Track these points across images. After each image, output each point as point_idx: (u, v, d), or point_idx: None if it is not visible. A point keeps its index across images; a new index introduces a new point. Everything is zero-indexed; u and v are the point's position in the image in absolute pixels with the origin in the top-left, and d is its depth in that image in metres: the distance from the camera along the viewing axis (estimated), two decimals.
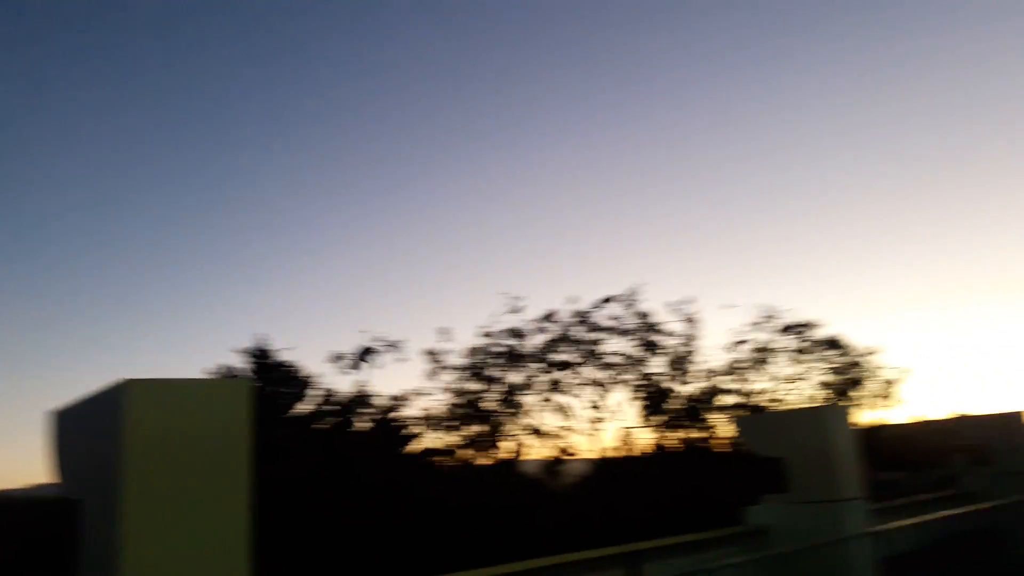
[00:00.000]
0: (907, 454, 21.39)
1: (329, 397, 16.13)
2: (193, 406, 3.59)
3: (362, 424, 16.28)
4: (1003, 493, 8.80)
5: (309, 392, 16.82)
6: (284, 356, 16.36)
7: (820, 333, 19.07)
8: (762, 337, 18.43)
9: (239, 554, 3.64)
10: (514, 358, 16.51)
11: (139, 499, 3.29)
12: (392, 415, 16.46)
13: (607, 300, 17.16)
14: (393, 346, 15.82)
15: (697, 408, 16.36)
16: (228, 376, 15.95)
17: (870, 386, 19.30)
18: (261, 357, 16.52)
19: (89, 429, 3.70)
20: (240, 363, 15.74)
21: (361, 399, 16.06)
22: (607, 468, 15.12)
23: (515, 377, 16.47)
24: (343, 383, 16.31)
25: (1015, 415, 9.64)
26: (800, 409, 11.52)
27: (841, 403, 17.47)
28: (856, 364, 19.29)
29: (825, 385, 19.00)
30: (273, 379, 16.08)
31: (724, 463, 14.24)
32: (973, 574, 7.92)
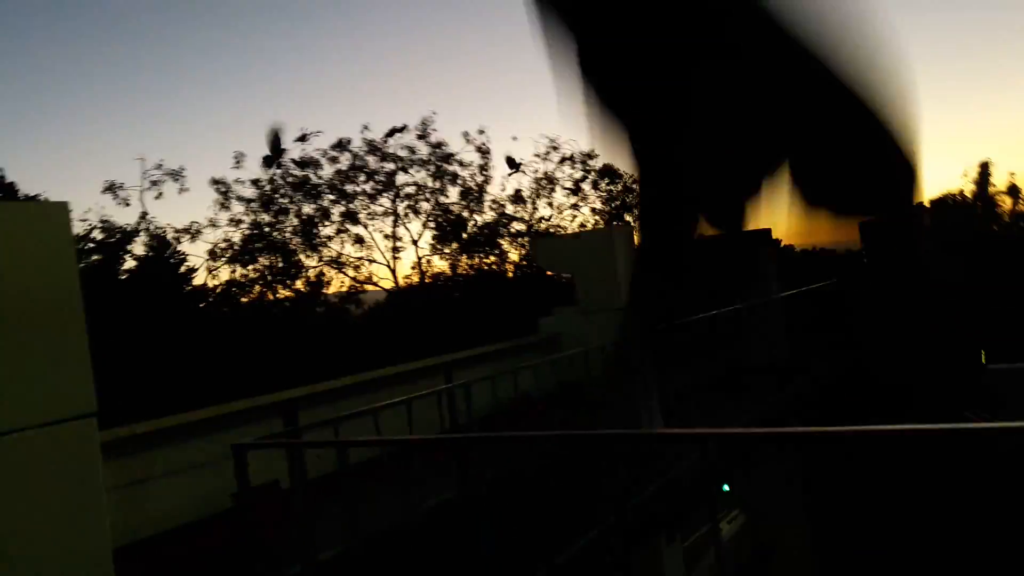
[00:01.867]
0: None
1: (92, 231, 14.85)
2: (11, 229, 3.37)
3: (137, 261, 15.33)
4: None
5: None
6: (29, 190, 14.65)
7: (597, 163, 20.40)
8: (547, 167, 19.40)
9: (83, 374, 3.59)
10: (307, 189, 16.12)
11: None
12: (173, 250, 15.64)
13: (400, 129, 17.03)
14: (175, 175, 14.78)
15: (490, 235, 17.19)
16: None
17: (636, 211, 21.17)
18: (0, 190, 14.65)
19: None
20: None
21: (136, 232, 15.01)
22: (409, 294, 15.69)
23: (309, 208, 16.19)
24: (120, 217, 15.07)
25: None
26: (591, 231, 12.57)
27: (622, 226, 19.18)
28: (629, 191, 20.95)
29: (599, 212, 20.63)
30: None
31: (517, 283, 15.33)
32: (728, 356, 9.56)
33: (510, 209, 18.17)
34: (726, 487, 7.62)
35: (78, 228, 14.63)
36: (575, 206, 20.05)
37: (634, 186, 20.88)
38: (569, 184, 19.80)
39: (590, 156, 19.78)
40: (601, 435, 2.54)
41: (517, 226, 18.06)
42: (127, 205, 14.43)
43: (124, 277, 15.31)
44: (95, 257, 15.02)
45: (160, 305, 14.04)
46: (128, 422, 4.99)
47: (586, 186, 20.27)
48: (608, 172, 20.75)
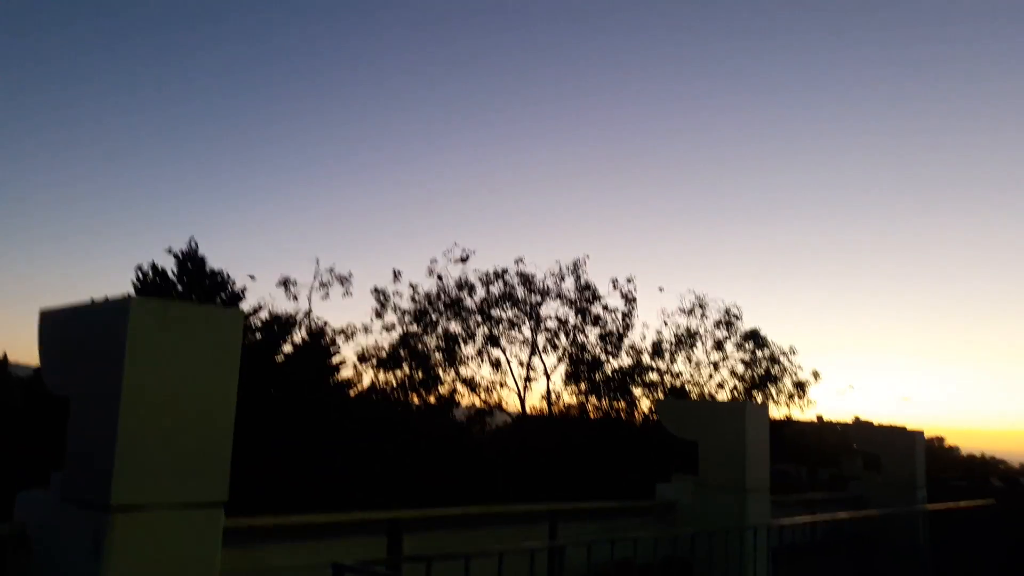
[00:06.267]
0: (805, 450, 22.72)
1: (256, 313, 16.03)
2: (191, 329, 3.83)
3: (294, 347, 16.38)
4: (888, 502, 9.63)
5: (239, 305, 16.60)
6: (216, 266, 16.08)
7: (743, 326, 19.88)
8: (690, 323, 19.18)
9: (222, 467, 3.92)
10: (458, 308, 16.91)
11: (135, 406, 3.54)
12: (328, 343, 16.64)
13: (554, 269, 17.65)
14: (343, 280, 15.99)
15: (623, 381, 17.10)
16: (172, 294, 15.81)
17: (783, 383, 20.29)
18: (192, 262, 16.26)
19: (87, 337, 3.91)
20: (171, 265, 15.54)
21: (297, 323, 16.15)
22: (535, 424, 15.77)
23: (456, 327, 16.93)
24: (284, 307, 16.30)
25: (915, 432, 10.47)
26: (722, 402, 12.26)
27: (761, 400, 18.47)
28: (773, 361, 20.21)
29: (740, 376, 19.88)
30: (201, 286, 15.82)
31: (641, 437, 15.02)
32: (848, 574, 8.74)
33: (647, 359, 18.06)
34: None
35: (248, 305, 15.89)
36: (715, 365, 19.56)
37: (782, 357, 20.10)
38: (710, 343, 19.43)
39: (736, 317, 19.43)
40: None
41: (652, 377, 17.88)
42: (295, 300, 15.69)
43: (280, 360, 16.43)
44: (257, 336, 16.29)
45: (309, 389, 14.88)
46: (251, 507, 5.29)
47: (729, 346, 19.79)
48: (753, 336, 20.13)
